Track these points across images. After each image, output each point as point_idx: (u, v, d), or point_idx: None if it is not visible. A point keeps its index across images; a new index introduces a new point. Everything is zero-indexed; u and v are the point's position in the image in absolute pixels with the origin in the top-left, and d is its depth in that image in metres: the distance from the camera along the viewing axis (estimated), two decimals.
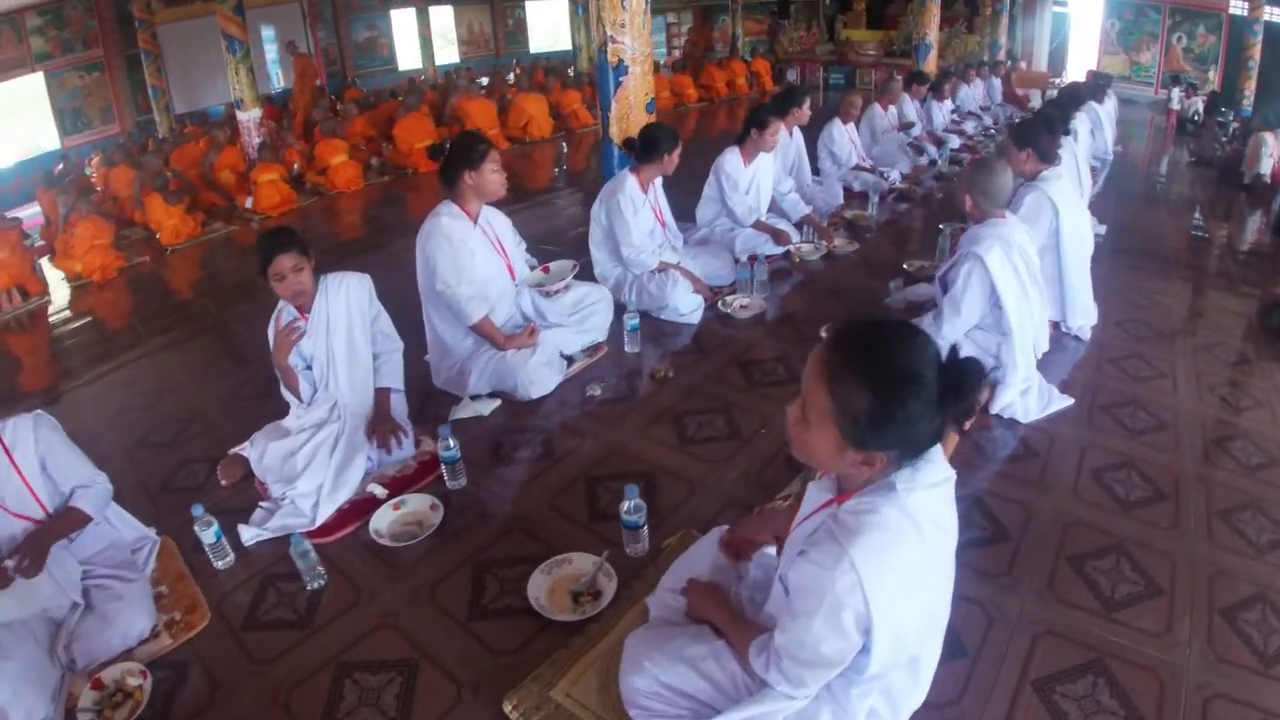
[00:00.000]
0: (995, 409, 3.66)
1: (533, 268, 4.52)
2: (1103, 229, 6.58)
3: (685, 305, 4.80)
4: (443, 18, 21.45)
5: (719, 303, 4.99)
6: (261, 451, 3.26)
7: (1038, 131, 4.39)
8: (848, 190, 7.42)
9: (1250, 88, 14.41)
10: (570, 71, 16.60)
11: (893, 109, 8.78)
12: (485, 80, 16.10)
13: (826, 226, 6.00)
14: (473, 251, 3.88)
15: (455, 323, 3.97)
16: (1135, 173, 10.04)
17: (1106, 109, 10.34)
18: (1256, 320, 4.97)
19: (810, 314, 4.94)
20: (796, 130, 6.67)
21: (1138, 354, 4.41)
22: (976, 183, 3.56)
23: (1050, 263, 4.35)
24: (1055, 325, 4.54)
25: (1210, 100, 13.87)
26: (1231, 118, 13.30)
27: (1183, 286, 5.67)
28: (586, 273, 4.92)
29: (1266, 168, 9.14)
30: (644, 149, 4.74)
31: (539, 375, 3.98)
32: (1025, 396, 3.66)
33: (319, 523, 3.06)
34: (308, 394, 3.36)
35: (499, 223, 4.15)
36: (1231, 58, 15.45)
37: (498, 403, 3.97)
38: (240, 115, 10.49)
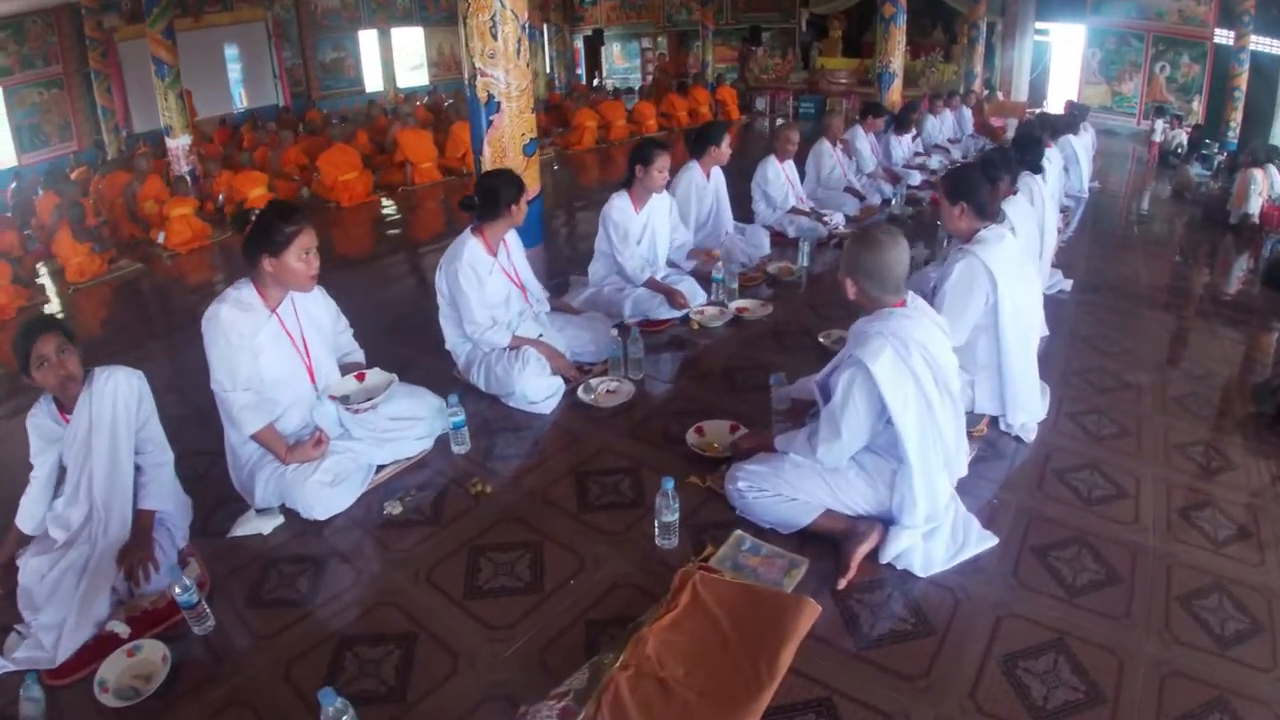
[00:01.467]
0: (885, 558, 2.77)
1: (349, 368, 3.60)
2: (1068, 285, 5.74)
3: (535, 391, 3.94)
4: (412, 39, 21.16)
5: (579, 388, 4.09)
6: (24, 564, 2.79)
7: (974, 182, 3.54)
8: (780, 237, 6.56)
9: (1236, 119, 13.73)
10: None
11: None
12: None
13: (674, 292, 5.02)
14: (259, 351, 3.15)
15: None
16: (1112, 211, 9.18)
17: (1083, 141, 9.51)
18: (1247, 402, 4.12)
19: (689, 404, 4.04)
20: (717, 172, 5.85)
21: (1093, 462, 3.50)
22: (856, 262, 2.69)
23: (987, 346, 3.52)
24: (993, 422, 3.69)
25: (1195, 133, 13.08)
26: (1216, 150, 12.57)
27: (1155, 357, 4.80)
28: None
29: (1255, 207, 8.29)
30: (484, 204, 3.95)
31: (320, 498, 3.17)
32: (930, 540, 2.75)
33: (59, 661, 2.53)
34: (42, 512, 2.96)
35: (313, 309, 3.37)
36: (1216, 88, 14.88)
37: (280, 520, 3.22)
38: (169, 143, 10.11)
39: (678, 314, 4.96)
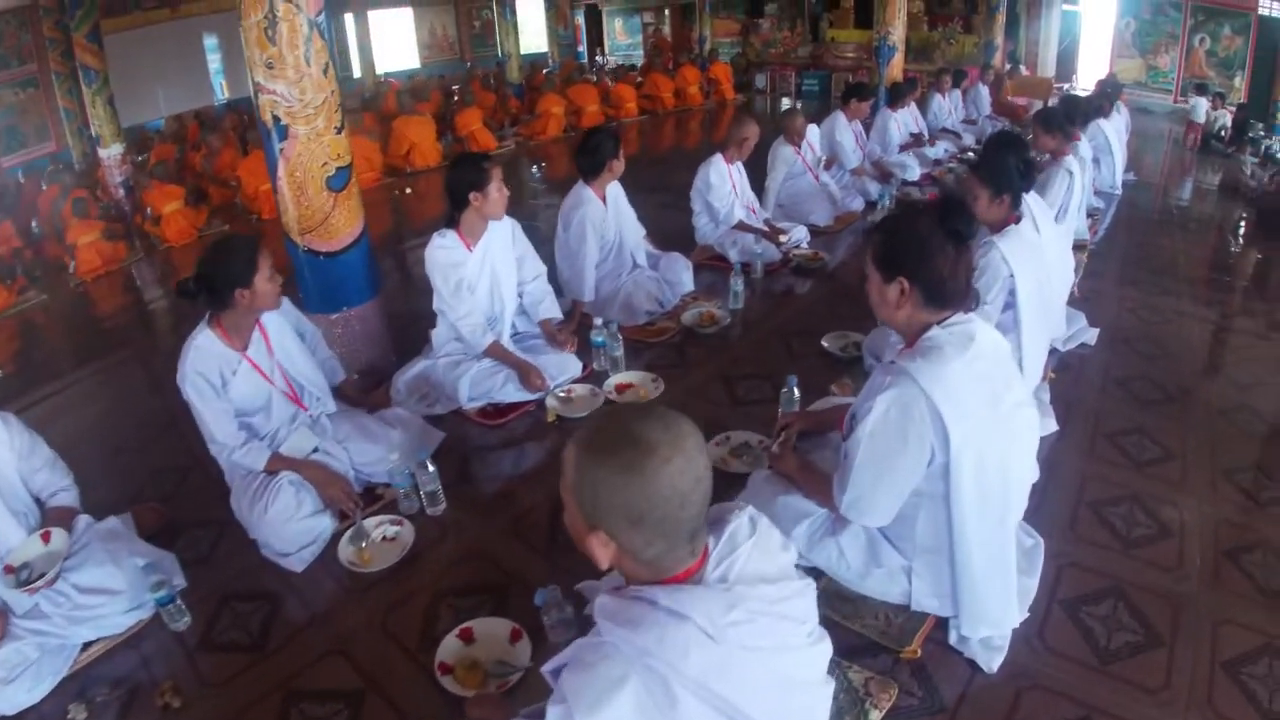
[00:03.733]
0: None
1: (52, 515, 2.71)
2: (1093, 335, 4.41)
3: (283, 538, 2.89)
4: (400, 21, 20.09)
5: (348, 532, 2.91)
6: None
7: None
8: (719, 262, 5.22)
9: None
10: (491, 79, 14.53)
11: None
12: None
13: (525, 368, 3.77)
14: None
15: None
16: (1147, 213, 7.63)
17: (1115, 126, 8.03)
18: None
19: (494, 572, 2.85)
20: (616, 190, 4.57)
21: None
22: (595, 501, 1.30)
23: (931, 520, 2.28)
24: (939, 625, 2.47)
25: (1239, 114, 11.50)
26: (1263, 133, 11.02)
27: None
28: None
29: None
30: (209, 295, 2.85)
31: None
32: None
33: None
34: None
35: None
36: (1261, 63, 13.30)
37: None
38: (101, 153, 9.56)
39: (533, 397, 3.71)
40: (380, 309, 4.17)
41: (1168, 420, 3.68)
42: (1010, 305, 3.29)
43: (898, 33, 9.86)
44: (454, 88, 14.35)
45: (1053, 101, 12.47)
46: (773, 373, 3.99)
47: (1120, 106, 8.70)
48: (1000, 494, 2.15)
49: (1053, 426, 3.51)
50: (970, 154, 8.78)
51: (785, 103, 15.14)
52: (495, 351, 3.72)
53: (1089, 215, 6.45)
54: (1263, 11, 13.02)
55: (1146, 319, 4.83)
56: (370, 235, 4.03)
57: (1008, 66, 14.21)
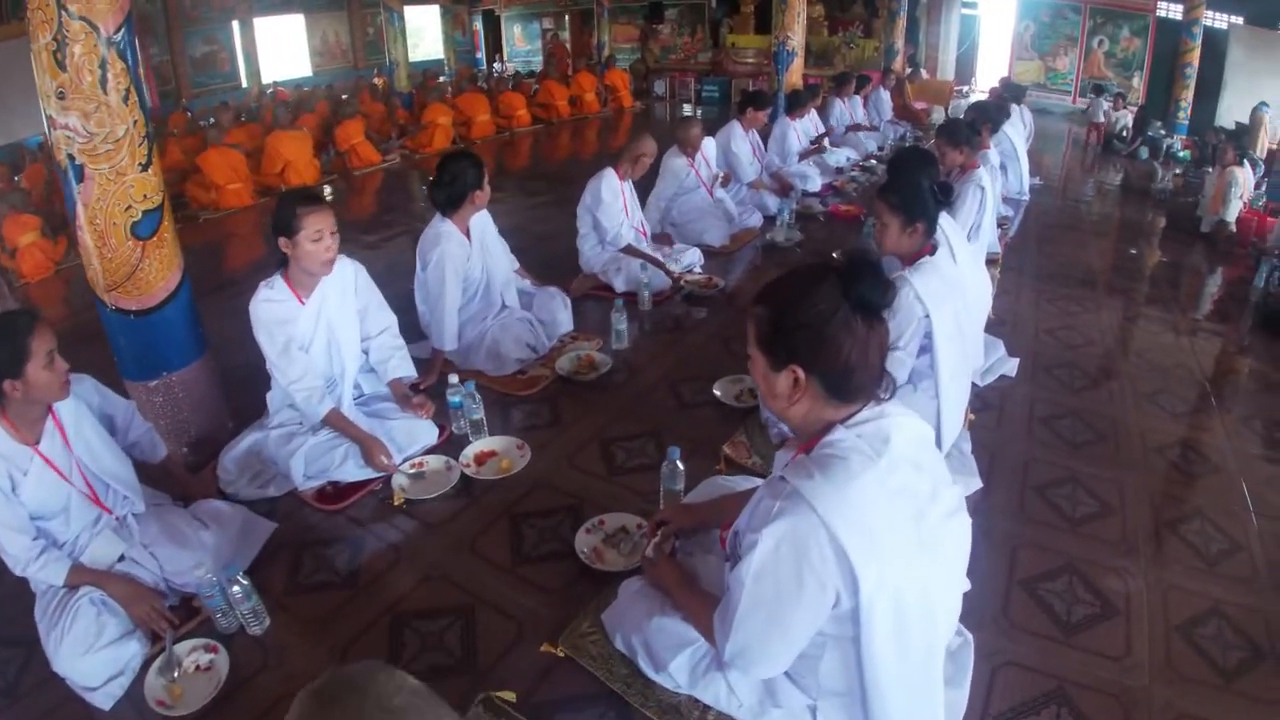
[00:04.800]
0: None
1: None
2: (1013, 366, 3.97)
3: (82, 671, 2.32)
4: (292, 28, 19.14)
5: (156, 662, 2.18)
6: None
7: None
8: (604, 292, 4.65)
9: (1187, 98, 12.15)
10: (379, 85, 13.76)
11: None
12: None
13: (368, 442, 3.08)
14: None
15: None
16: (1057, 219, 7.29)
17: (1018, 129, 7.73)
18: None
19: None
20: (483, 221, 3.93)
21: None
22: None
23: (838, 661, 1.70)
24: None
25: (1140, 114, 11.48)
26: (1163, 133, 11.00)
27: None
28: None
29: (1234, 213, 6.60)
30: None
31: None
32: None
33: None
34: None
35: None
36: (1158, 64, 13.49)
37: None
38: None
39: (377, 475, 3.06)
40: (209, 370, 3.40)
41: (1101, 464, 3.24)
42: (926, 348, 2.79)
43: (797, 38, 9.42)
44: (344, 96, 13.57)
45: (955, 107, 12.40)
46: (659, 429, 3.40)
47: (1021, 109, 8.44)
48: (924, 633, 1.58)
49: (976, 484, 3.02)
50: (873, 161, 8.42)
51: (686, 109, 14.70)
52: (334, 421, 3.04)
53: (998, 225, 6.09)
54: (1160, 13, 13.15)
55: (1067, 340, 4.43)
56: (234, 267, 3.31)
57: (908, 70, 14.04)
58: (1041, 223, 6.93)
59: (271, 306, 2.94)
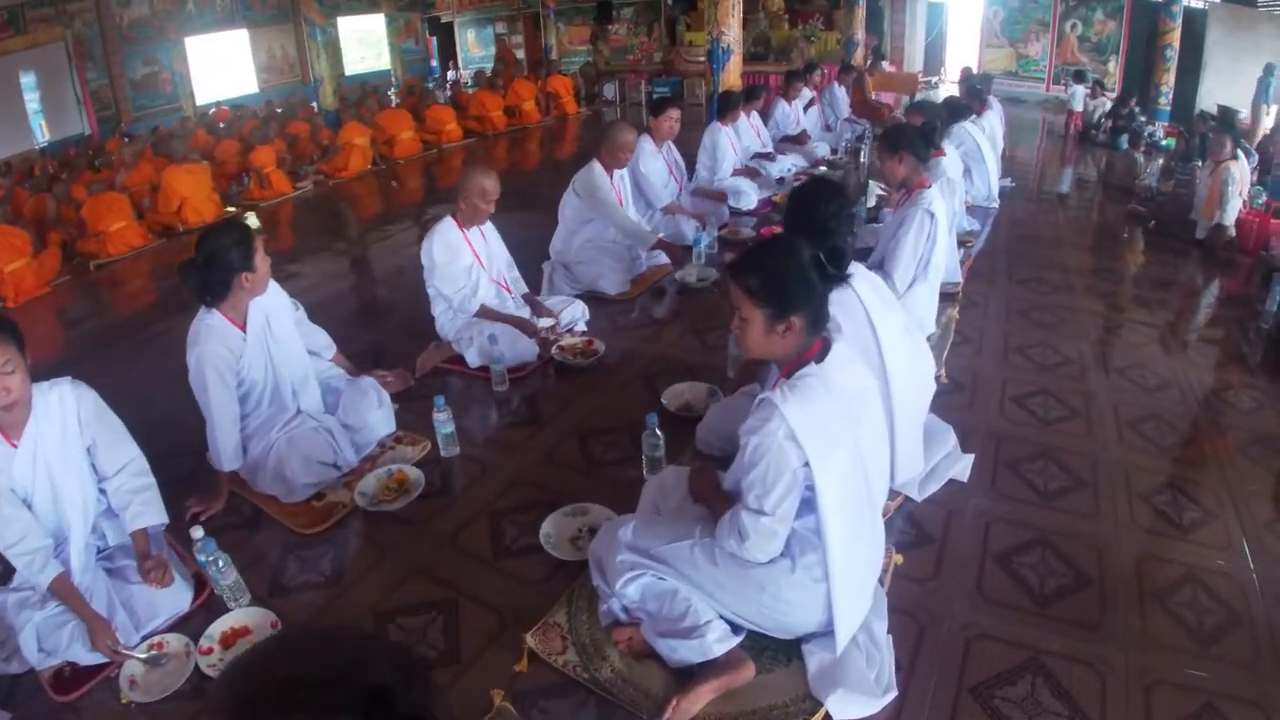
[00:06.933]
0: None
1: None
2: (965, 465, 3.00)
3: None
4: (236, 44, 18.32)
5: None
6: None
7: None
8: (455, 367, 3.72)
9: (1168, 82, 11.25)
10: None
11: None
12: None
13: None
14: None
15: None
16: (1032, 232, 6.27)
17: (988, 126, 6.82)
18: None
19: None
20: (269, 303, 3.00)
21: None
22: None
23: None
24: None
25: (1120, 100, 10.59)
26: (1144, 119, 10.14)
27: None
28: None
29: (1232, 216, 5.68)
30: None
31: None
32: None
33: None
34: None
35: None
36: (1134, 47, 12.66)
37: None
38: None
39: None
40: None
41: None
42: (810, 506, 1.87)
43: (733, 33, 8.44)
44: (277, 110, 12.59)
45: (929, 95, 11.55)
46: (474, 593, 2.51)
47: (992, 103, 7.53)
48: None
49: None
50: (823, 169, 7.48)
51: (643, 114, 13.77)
52: (59, 591, 2.19)
53: (960, 244, 5.15)
54: None
55: (1045, 415, 3.42)
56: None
57: (869, 62, 13.14)
58: (1013, 234, 5.98)
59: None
